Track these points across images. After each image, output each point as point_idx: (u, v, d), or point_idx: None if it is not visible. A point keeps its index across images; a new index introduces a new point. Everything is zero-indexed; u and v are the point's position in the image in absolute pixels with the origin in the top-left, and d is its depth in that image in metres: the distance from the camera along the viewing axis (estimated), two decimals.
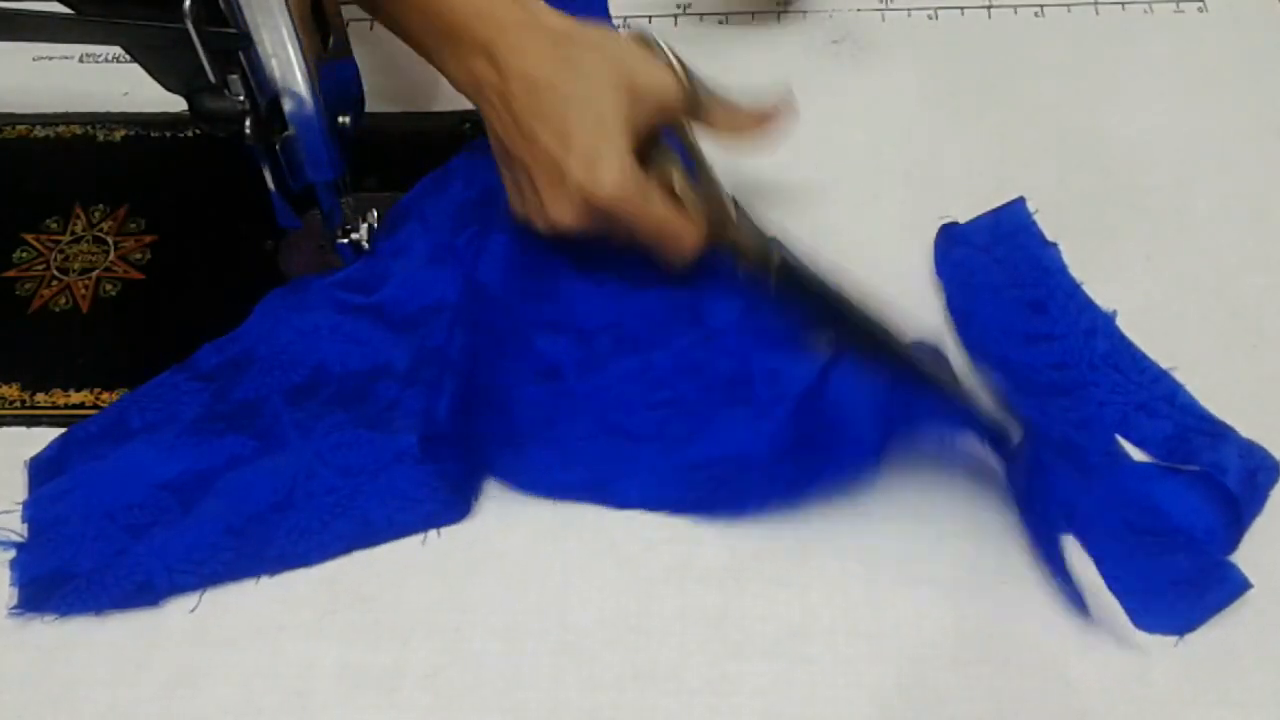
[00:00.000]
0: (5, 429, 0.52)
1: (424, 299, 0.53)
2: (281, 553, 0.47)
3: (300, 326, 0.53)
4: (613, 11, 0.66)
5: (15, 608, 0.46)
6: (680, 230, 0.50)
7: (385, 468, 0.48)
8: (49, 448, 0.50)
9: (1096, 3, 0.65)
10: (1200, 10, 0.64)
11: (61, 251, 0.57)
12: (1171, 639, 0.44)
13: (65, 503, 0.48)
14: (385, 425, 0.50)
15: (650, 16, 0.65)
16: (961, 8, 0.65)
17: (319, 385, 0.51)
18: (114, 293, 0.56)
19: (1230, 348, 0.52)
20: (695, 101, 0.51)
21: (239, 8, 0.43)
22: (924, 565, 0.46)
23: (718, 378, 0.50)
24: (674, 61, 0.50)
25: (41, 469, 0.49)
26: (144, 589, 0.46)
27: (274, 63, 0.45)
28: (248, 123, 0.45)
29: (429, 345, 0.52)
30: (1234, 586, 0.45)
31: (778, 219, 0.55)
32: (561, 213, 0.49)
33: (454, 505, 0.48)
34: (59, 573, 0.46)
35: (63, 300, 0.56)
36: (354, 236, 0.54)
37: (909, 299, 0.54)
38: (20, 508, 0.49)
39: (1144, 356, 0.51)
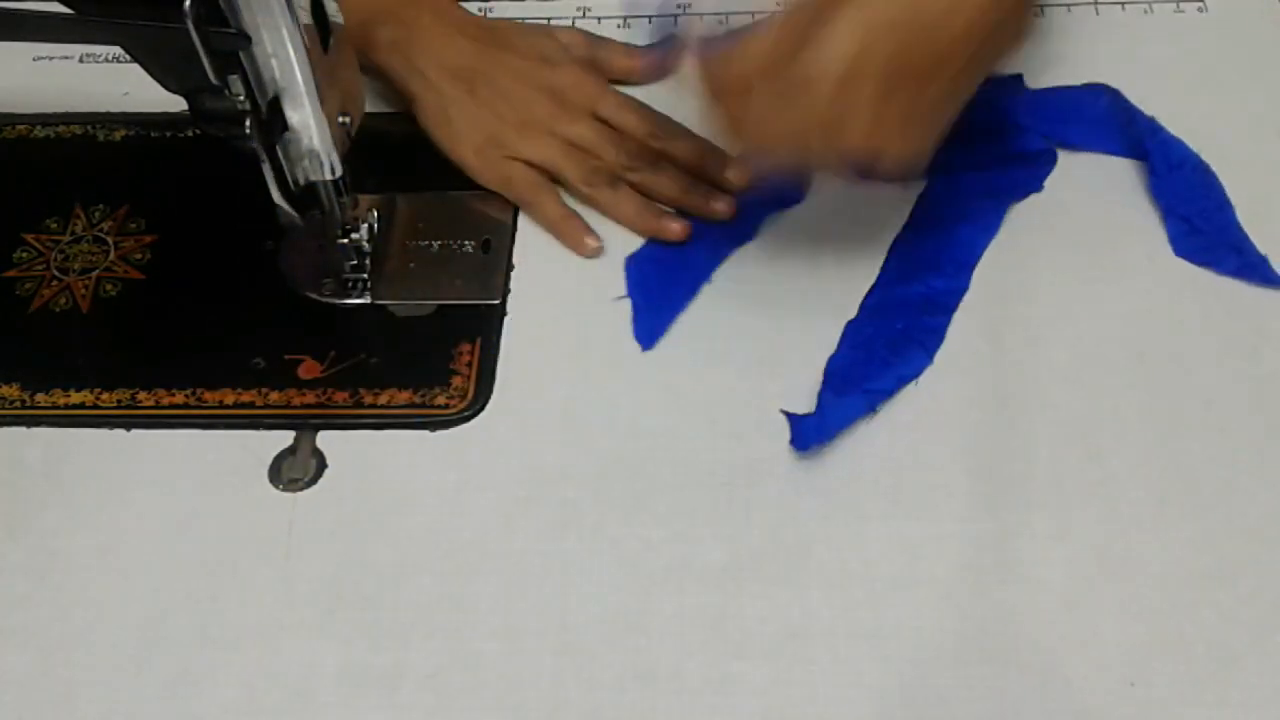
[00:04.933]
0: (5, 429, 0.52)
1: None
2: None
3: None
4: (612, 12, 0.65)
5: None
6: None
7: None
8: None
9: (1096, 3, 0.65)
10: (1200, 10, 0.64)
11: (61, 251, 0.57)
12: (1170, 639, 0.44)
13: None
14: None
15: (650, 16, 0.65)
16: None
17: None
18: (114, 293, 0.56)
19: (1230, 348, 0.52)
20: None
21: (239, 8, 0.43)
22: (924, 565, 0.46)
23: None
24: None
25: None
26: None
27: (274, 63, 0.45)
28: (248, 123, 0.46)
29: None
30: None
31: (778, 217, 0.56)
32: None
33: None
34: None
35: (63, 300, 0.56)
36: (354, 236, 0.54)
37: None
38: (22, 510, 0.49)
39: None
